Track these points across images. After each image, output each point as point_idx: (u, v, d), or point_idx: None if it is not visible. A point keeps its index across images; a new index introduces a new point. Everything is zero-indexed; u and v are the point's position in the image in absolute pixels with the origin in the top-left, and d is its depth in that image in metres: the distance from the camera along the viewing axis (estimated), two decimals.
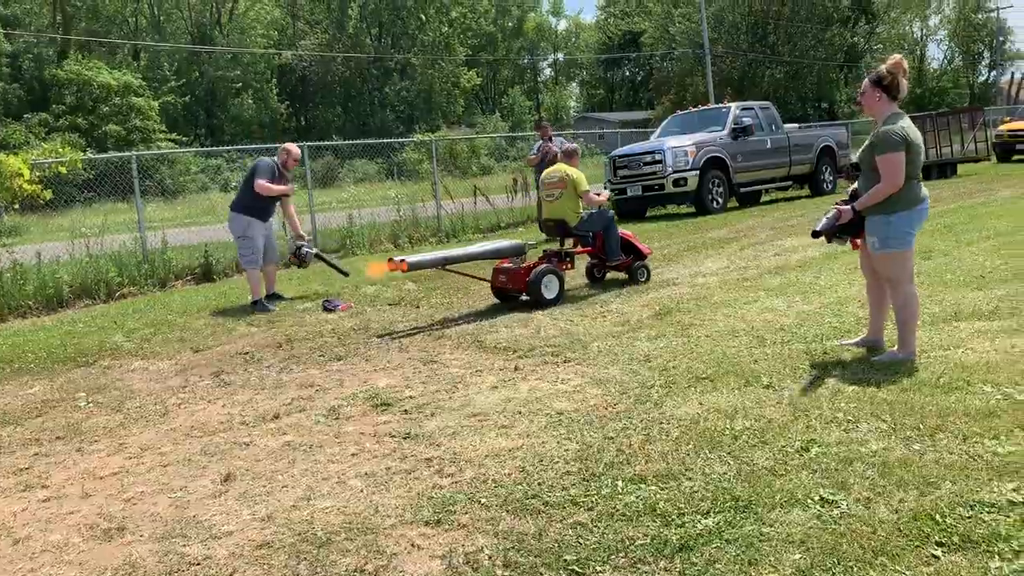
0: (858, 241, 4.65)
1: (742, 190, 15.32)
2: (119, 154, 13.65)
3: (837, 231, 4.61)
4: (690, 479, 3.17)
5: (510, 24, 71.43)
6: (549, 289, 7.09)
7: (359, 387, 5.08)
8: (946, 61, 70.10)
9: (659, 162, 14.10)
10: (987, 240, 8.52)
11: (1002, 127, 24.03)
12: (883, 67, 4.37)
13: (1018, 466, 2.99)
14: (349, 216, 13.42)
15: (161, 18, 50.95)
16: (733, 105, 15.75)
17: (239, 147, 19.63)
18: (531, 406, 4.31)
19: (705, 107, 18.36)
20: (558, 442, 3.72)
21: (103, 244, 10.72)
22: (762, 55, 48.60)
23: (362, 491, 3.40)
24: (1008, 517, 2.63)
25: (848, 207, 4.49)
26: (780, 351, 4.90)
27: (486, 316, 6.87)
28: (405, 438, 4.03)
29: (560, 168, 7.70)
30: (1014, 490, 2.80)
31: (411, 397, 4.74)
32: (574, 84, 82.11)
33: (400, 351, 5.94)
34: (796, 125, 18.46)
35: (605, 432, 3.78)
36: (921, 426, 3.46)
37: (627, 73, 75.43)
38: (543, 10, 77.95)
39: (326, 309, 7.70)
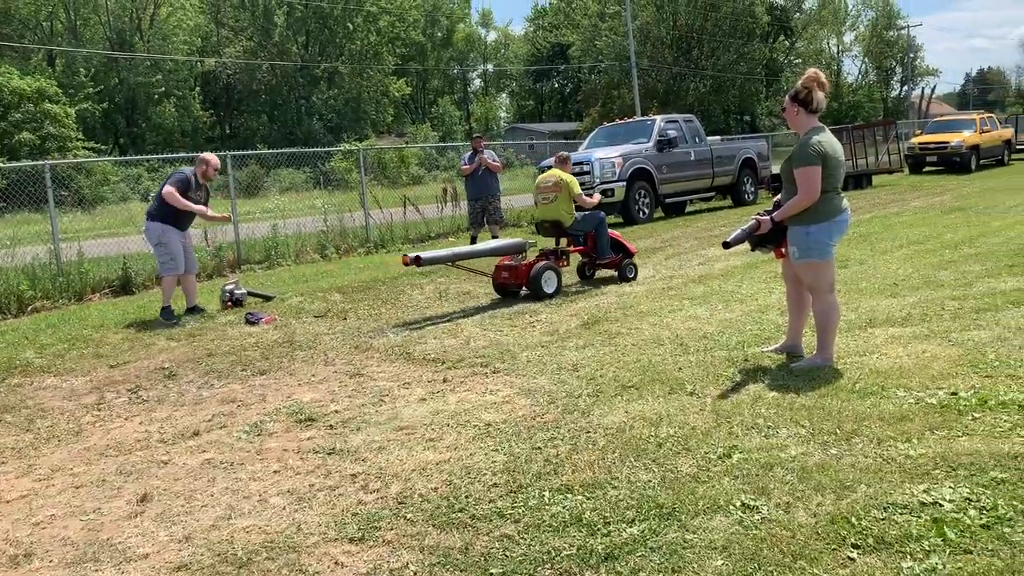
0: (782, 250, 4.77)
1: (667, 200, 15.61)
2: (32, 163, 13.06)
3: (758, 241, 4.72)
4: (615, 487, 3.18)
5: (439, 34, 71.46)
6: (548, 284, 7.68)
7: (283, 402, 4.96)
8: (861, 76, 72.97)
9: (587, 173, 14.26)
10: (900, 249, 8.86)
11: (914, 140, 25.11)
12: (799, 82, 4.50)
13: (928, 468, 3.10)
14: (273, 227, 13.15)
15: (78, 23, 49.24)
16: (658, 118, 16.05)
17: (160, 156, 19.01)
18: (459, 418, 4.28)
19: (631, 119, 18.66)
20: (486, 454, 3.70)
21: (14, 256, 10.25)
22: (686, 69, 49.78)
23: (284, 509, 3.32)
24: (919, 518, 2.72)
25: (768, 217, 4.61)
26: (703, 358, 4.98)
27: (415, 327, 6.81)
28: (329, 454, 3.96)
29: (555, 173, 8.28)
30: (925, 491, 2.90)
31: (336, 411, 4.66)
32: (504, 95, 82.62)
33: (326, 364, 5.84)
34: (719, 137, 18.92)
35: (533, 442, 3.78)
36: (838, 431, 3.56)
37: (556, 85, 76.32)
38: (472, 21, 78.33)
39: (249, 322, 7.51)
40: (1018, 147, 27.72)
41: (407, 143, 44.93)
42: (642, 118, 17.95)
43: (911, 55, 71.68)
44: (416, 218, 14.93)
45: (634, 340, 5.64)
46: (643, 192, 14.68)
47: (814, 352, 4.65)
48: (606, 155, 14.48)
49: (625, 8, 43.46)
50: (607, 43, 51.52)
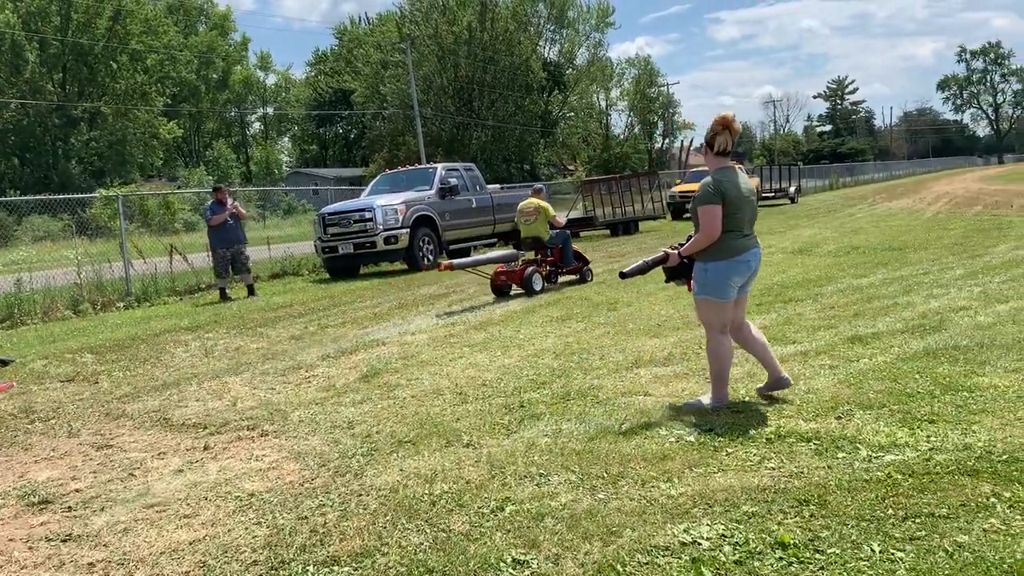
0: (692, 284, 4.78)
1: (451, 247, 15.78)
2: None
3: (671, 274, 4.76)
4: (385, 554, 3.02)
5: (215, 76, 68.64)
6: (536, 283, 10.09)
7: (13, 482, 4.34)
8: (627, 129, 78.65)
9: (369, 220, 14.11)
10: (663, 291, 9.45)
11: (675, 188, 27.31)
12: (711, 126, 4.52)
13: (688, 507, 3.22)
14: (18, 280, 11.79)
15: None
16: (439, 166, 16.29)
17: None
18: (219, 489, 3.92)
19: (413, 167, 18.80)
20: (247, 528, 3.40)
21: None
22: (468, 118, 51.17)
23: None
24: (680, 559, 2.80)
25: (675, 251, 4.65)
26: (482, 407, 4.96)
27: (175, 389, 6.27)
28: (65, 540, 3.47)
29: (534, 201, 10.78)
30: (685, 531, 3.00)
31: (77, 490, 4.13)
32: (286, 139, 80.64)
33: (69, 436, 5.20)
34: (499, 186, 19.49)
35: (299, 512, 3.52)
36: (606, 474, 3.62)
37: (340, 130, 75.64)
38: (250, 63, 76.02)
39: None
40: (764, 195, 30.97)
41: (179, 188, 42.39)
42: (424, 166, 18.14)
43: (670, 110, 78.51)
44: (184, 268, 13.99)
45: (413, 391, 5.52)
46: (427, 239, 14.75)
47: (702, 395, 4.67)
48: (388, 202, 14.43)
49: (407, 57, 44.13)
50: (391, 90, 51.90)
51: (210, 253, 12.40)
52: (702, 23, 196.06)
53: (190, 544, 3.30)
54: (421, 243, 14.59)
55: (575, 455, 3.90)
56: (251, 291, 12.43)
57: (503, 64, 51.55)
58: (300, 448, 4.47)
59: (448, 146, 49.19)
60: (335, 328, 8.63)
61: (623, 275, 4.78)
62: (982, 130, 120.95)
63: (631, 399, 4.86)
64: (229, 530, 3.40)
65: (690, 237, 4.67)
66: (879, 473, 3.45)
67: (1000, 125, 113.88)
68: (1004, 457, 3.53)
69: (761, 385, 4.80)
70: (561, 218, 11.19)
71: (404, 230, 14.19)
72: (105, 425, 5.38)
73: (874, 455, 3.68)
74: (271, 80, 78.64)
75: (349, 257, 14.49)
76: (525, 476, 3.69)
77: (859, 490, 3.29)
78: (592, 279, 10.98)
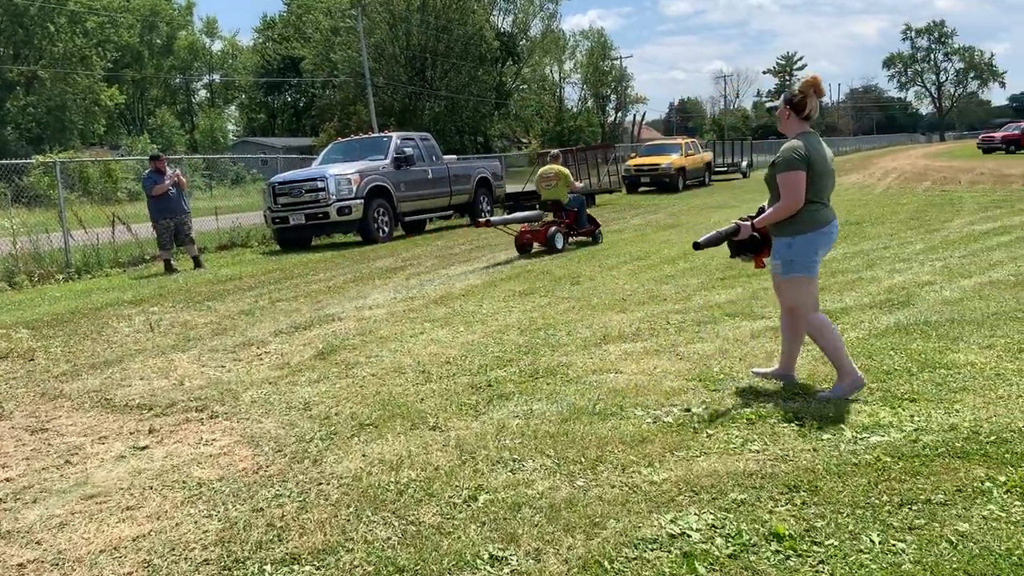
0: (764, 260, 4.39)
1: (407, 219, 15.42)
2: None
3: (737, 248, 4.33)
4: (350, 550, 2.78)
5: (159, 41, 66.31)
6: (559, 241, 11.08)
7: None
8: (581, 102, 78.39)
9: (322, 190, 13.66)
10: (625, 265, 9.30)
11: (630, 162, 27.17)
12: (796, 85, 4.16)
13: (673, 494, 3.04)
14: None
15: None
16: (395, 135, 15.83)
17: None
18: (166, 477, 3.63)
19: (367, 136, 18.30)
20: (196, 522, 3.13)
21: None
22: (421, 88, 50.36)
23: None
24: (669, 553, 2.61)
25: (748, 223, 4.22)
26: (447, 386, 4.72)
27: (118, 367, 5.90)
28: None
29: (554, 167, 11.68)
30: (672, 521, 2.81)
31: (8, 480, 3.79)
32: (232, 107, 78.54)
33: (0, 418, 4.82)
34: (455, 156, 19.12)
35: (254, 503, 3.25)
36: (583, 459, 3.42)
37: (289, 98, 73.95)
38: (195, 29, 73.63)
39: None
40: (717, 169, 31.07)
41: (122, 156, 40.98)
42: (378, 135, 17.66)
43: (623, 84, 78.42)
44: (128, 238, 13.40)
45: (373, 370, 5.25)
46: (382, 210, 14.35)
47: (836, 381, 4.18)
48: (342, 172, 13.97)
49: (358, 24, 43.11)
50: (342, 57, 50.74)
51: (152, 224, 11.87)
52: None
53: (133, 540, 3.02)
54: (376, 214, 14.19)
55: (549, 438, 3.69)
56: (197, 263, 11.95)
57: (456, 33, 50.72)
58: (253, 431, 4.19)
59: (400, 116, 48.37)
60: (287, 302, 8.29)
61: (697, 246, 4.29)
62: (925, 108, 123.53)
63: (603, 377, 4.67)
64: (177, 524, 3.12)
65: (761, 210, 4.26)
66: (867, 456, 3.32)
67: (942, 103, 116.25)
68: (992, 438, 3.42)
69: (761, 369, 4.54)
70: (580, 182, 12.34)
71: (358, 201, 13.76)
72: (40, 406, 5.01)
73: (859, 436, 3.55)
74: (217, 46, 76.38)
75: (301, 228, 14.03)
76: (498, 462, 3.47)
77: (849, 475, 3.14)
78: (601, 241, 11.80)
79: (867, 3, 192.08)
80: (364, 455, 3.67)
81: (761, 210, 4.27)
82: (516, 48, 61.77)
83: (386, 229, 14.46)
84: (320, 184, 13.72)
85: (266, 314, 7.66)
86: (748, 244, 4.27)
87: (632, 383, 4.49)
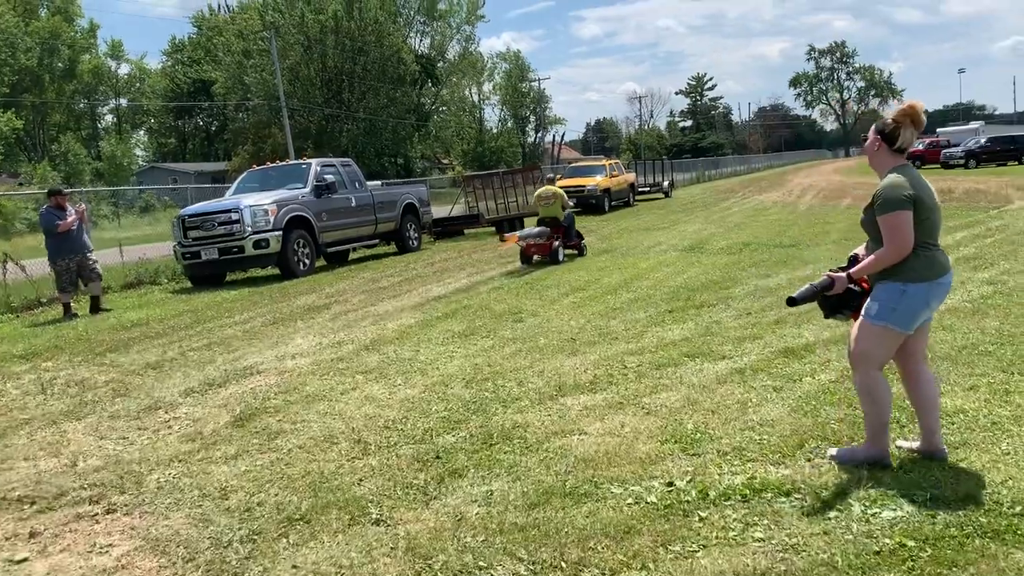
0: (867, 309, 3.66)
1: (329, 250, 14.67)
2: None
3: (833, 304, 3.67)
4: None
5: (60, 64, 63.31)
6: (560, 255, 12.33)
7: None
8: (501, 123, 78.46)
9: (236, 222, 12.80)
10: (567, 296, 8.83)
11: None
12: (890, 114, 3.60)
13: None
14: None
15: None
16: (314, 162, 15.06)
17: None
18: None
19: (284, 163, 17.46)
20: None
21: None
22: (338, 110, 49.38)
23: None
24: None
25: (843, 275, 3.60)
26: (387, 460, 4.11)
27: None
28: None
29: (551, 188, 13.09)
30: None
31: None
32: (141, 132, 75.62)
33: None
34: (379, 182, 18.46)
35: None
36: (563, 563, 2.88)
37: (200, 122, 71.74)
38: (100, 52, 70.65)
39: None
40: (640, 189, 31.15)
41: (20, 185, 38.76)
42: (297, 162, 16.87)
43: (542, 105, 78.89)
44: (20, 277, 12.22)
45: (300, 440, 4.58)
46: (302, 242, 13.56)
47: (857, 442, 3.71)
48: (257, 202, 13.13)
49: (272, 46, 42.01)
50: (255, 80, 49.34)
51: (50, 265, 10.82)
52: (566, 20, 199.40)
53: None
54: (296, 247, 13.38)
55: (518, 532, 3.13)
56: (97, 305, 10.87)
57: (373, 55, 49.96)
58: (159, 532, 3.49)
59: (317, 139, 47.26)
60: (200, 352, 7.50)
61: (793, 301, 3.64)
62: (830, 125, 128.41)
63: (567, 441, 4.14)
64: None
65: (854, 257, 3.70)
66: (887, 541, 2.88)
67: (846, 120, 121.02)
68: (1017, 510, 3.03)
69: (906, 442, 3.82)
70: (570, 201, 13.52)
71: (276, 233, 12.94)
72: None
73: (869, 512, 3.12)
74: (124, 70, 73.40)
75: (214, 264, 13.10)
76: (459, 571, 2.89)
77: (875, 568, 2.69)
78: (587, 253, 13.10)
79: (768, 25, 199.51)
80: (295, 566, 3.03)
81: (854, 258, 3.69)
82: (435, 70, 61.39)
83: (307, 262, 13.67)
84: (234, 216, 12.85)
85: (175, 368, 6.87)
86: (845, 299, 3.65)
87: (601, 449, 3.97)
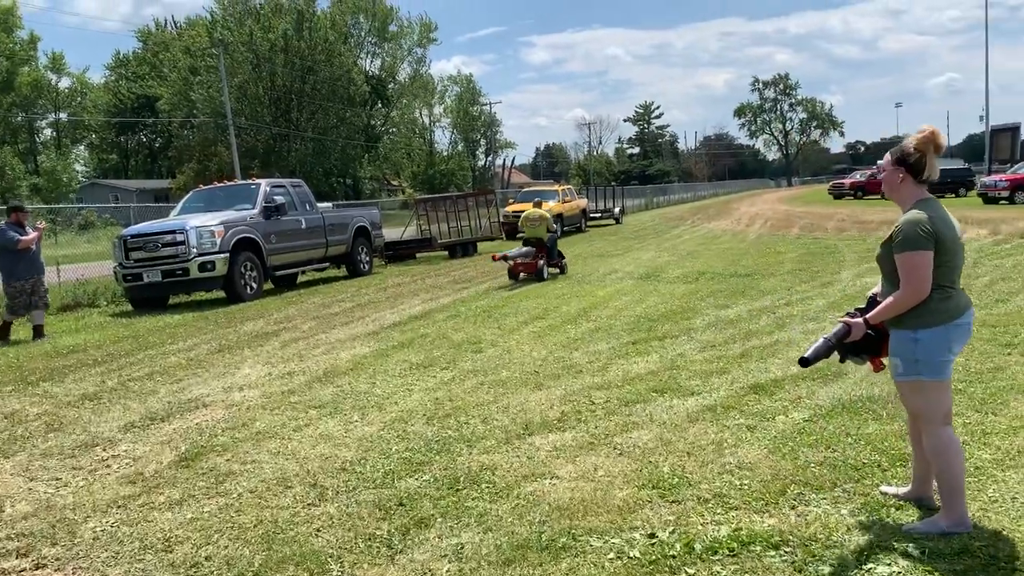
0: (881, 361, 3.50)
1: (277, 273, 14.26)
2: None
3: (850, 349, 3.41)
4: None
5: None
6: (545, 273, 13.16)
7: None
8: (451, 146, 78.52)
9: (181, 243, 12.34)
10: (526, 326, 8.62)
11: (508, 208, 26.79)
12: (910, 142, 3.30)
13: None
14: None
15: None
16: (263, 182, 14.66)
17: None
18: None
19: (232, 183, 16.98)
20: None
21: None
22: (287, 129, 48.76)
23: None
24: None
25: (860, 320, 3.34)
26: (346, 507, 3.83)
27: None
28: None
29: (537, 211, 14.00)
30: None
31: None
32: (82, 147, 73.52)
33: None
34: (330, 204, 18.09)
35: None
36: None
37: (144, 139, 70.15)
38: (40, 65, 68.63)
39: None
40: (592, 215, 31.25)
41: None
42: (245, 182, 16.42)
43: (493, 129, 79.18)
44: None
45: (251, 483, 4.27)
46: (250, 265, 13.13)
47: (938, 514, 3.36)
48: (203, 223, 12.69)
49: (220, 63, 41.33)
50: (201, 97, 48.47)
51: (4, 285, 10.20)
52: (515, 45, 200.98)
53: None
54: (243, 270, 12.95)
55: None
56: (39, 332, 10.25)
57: (323, 75, 49.56)
58: None
59: (265, 158, 46.58)
60: (141, 381, 7.09)
61: (805, 362, 3.33)
62: (773, 154, 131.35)
63: (538, 486, 3.92)
64: None
65: (873, 299, 3.47)
66: None
67: (788, 150, 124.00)
68: (1017, 564, 2.91)
69: (891, 488, 3.68)
70: (554, 224, 14.52)
71: (222, 255, 12.50)
72: None
73: (864, 568, 2.96)
74: (65, 83, 71.40)
75: (157, 286, 12.59)
76: None
77: None
78: (567, 272, 13.95)
79: (713, 56, 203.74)
80: None
81: (872, 300, 3.46)
82: (385, 91, 61.17)
83: (254, 285, 13.23)
84: (179, 237, 12.40)
85: (115, 399, 6.46)
86: (863, 344, 3.39)
87: (576, 496, 3.75)
